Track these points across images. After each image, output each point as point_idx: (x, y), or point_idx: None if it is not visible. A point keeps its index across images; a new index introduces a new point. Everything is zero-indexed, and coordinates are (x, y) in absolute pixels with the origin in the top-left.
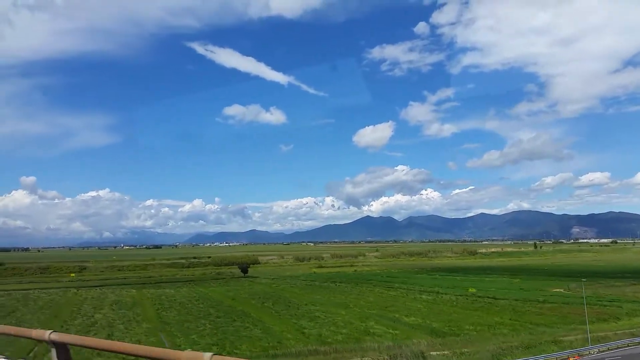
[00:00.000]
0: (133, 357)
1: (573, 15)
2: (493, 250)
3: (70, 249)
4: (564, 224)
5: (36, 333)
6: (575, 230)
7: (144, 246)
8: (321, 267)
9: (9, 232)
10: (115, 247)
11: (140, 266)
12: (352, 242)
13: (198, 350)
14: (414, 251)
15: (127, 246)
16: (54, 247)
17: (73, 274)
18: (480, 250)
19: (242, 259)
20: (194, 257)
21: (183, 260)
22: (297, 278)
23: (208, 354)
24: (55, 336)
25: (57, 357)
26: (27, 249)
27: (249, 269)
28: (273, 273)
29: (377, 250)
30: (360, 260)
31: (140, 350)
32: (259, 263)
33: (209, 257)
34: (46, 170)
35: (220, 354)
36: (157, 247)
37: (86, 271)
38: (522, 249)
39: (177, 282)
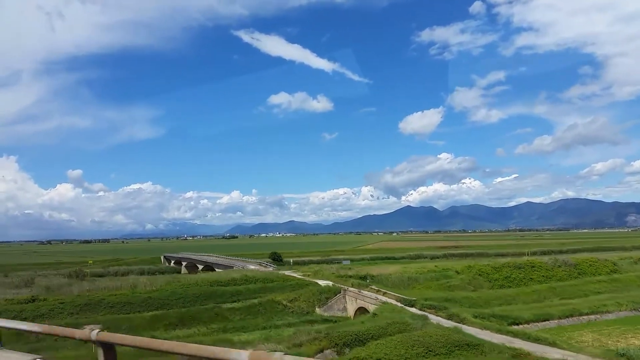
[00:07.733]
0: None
1: None
2: None
3: (149, 241)
4: (619, 211)
5: (80, 333)
6: (631, 218)
7: (192, 237)
8: None
9: (55, 225)
10: (182, 237)
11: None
12: (395, 232)
13: None
14: None
15: (189, 237)
16: (105, 239)
17: None
18: None
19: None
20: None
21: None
22: None
23: (279, 353)
24: (102, 336)
25: (104, 357)
26: (107, 241)
27: None
28: None
29: None
30: None
31: (193, 349)
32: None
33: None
34: (92, 163)
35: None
36: (233, 237)
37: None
38: None
39: None
